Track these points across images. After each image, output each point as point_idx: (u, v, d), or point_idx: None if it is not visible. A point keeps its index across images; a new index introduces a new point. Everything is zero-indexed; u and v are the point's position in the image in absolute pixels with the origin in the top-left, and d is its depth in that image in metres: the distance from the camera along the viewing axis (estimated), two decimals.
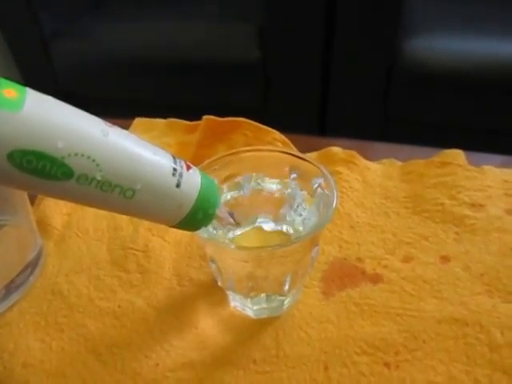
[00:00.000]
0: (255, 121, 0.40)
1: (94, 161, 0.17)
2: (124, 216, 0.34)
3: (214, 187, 0.23)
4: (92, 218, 0.35)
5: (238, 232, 0.28)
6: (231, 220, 0.25)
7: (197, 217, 0.22)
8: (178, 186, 0.20)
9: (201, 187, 0.21)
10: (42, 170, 0.17)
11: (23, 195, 0.30)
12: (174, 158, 0.21)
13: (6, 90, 0.16)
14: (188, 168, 0.21)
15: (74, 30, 1.08)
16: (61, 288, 0.30)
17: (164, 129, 0.42)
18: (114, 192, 0.19)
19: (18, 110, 0.16)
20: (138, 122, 0.44)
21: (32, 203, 0.34)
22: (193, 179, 0.21)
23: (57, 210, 0.35)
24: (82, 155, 0.17)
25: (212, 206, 0.22)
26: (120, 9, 1.10)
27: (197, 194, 0.21)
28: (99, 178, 0.18)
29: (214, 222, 0.24)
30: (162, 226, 0.33)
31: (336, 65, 0.94)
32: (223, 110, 0.49)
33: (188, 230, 0.23)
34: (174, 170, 0.20)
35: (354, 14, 0.88)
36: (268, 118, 0.41)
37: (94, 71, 1.09)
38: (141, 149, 0.19)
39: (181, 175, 0.20)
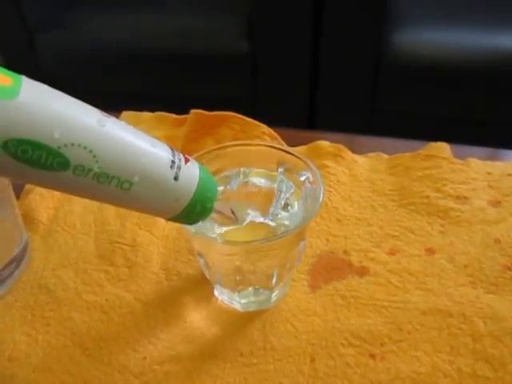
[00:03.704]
0: (243, 113, 0.39)
1: (90, 151, 0.17)
2: (111, 210, 0.34)
3: (212, 181, 0.23)
4: (79, 212, 0.35)
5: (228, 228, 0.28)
6: (231, 215, 0.25)
7: (194, 210, 0.22)
8: (175, 178, 0.20)
9: (199, 180, 0.21)
10: (38, 159, 0.16)
11: (8, 188, 0.30)
12: (172, 150, 0.21)
13: (0, 77, 0.16)
14: (186, 161, 0.21)
15: (59, 21, 1.06)
16: (47, 282, 0.30)
17: (151, 122, 0.42)
18: (110, 184, 0.18)
19: (13, 98, 0.15)
20: (125, 115, 0.43)
21: (17, 197, 0.34)
22: (191, 172, 0.21)
23: (43, 203, 0.35)
24: (79, 145, 0.17)
25: (210, 200, 0.22)
26: (107, 0, 1.08)
27: (195, 187, 0.21)
28: (96, 169, 0.18)
29: (213, 215, 0.23)
30: (150, 220, 0.33)
31: (324, 57, 0.94)
32: (211, 101, 0.49)
33: (185, 223, 0.23)
34: (173, 162, 0.20)
35: (341, 5, 0.88)
36: (256, 110, 0.42)
37: (80, 63, 1.07)
38: (138, 140, 0.19)
39: (179, 168, 0.20)
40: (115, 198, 0.19)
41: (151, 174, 0.19)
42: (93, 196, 0.19)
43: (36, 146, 0.16)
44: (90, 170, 0.17)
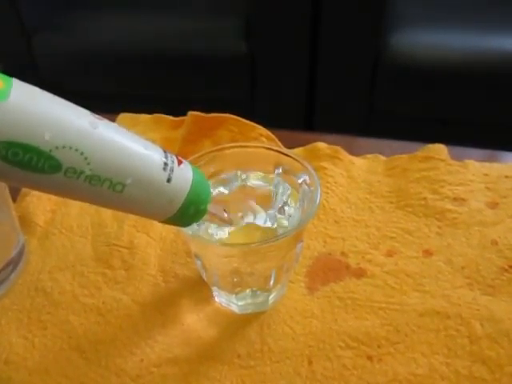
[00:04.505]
0: (242, 113, 0.39)
1: (82, 154, 0.17)
2: (108, 212, 0.34)
3: (205, 183, 0.23)
4: (76, 214, 0.34)
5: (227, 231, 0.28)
6: (224, 217, 0.25)
7: (188, 212, 0.22)
8: (168, 180, 0.20)
9: (192, 182, 0.21)
10: (29, 162, 0.16)
11: (4, 191, 0.30)
12: (165, 152, 0.21)
13: None
14: (179, 163, 0.21)
15: (57, 22, 1.06)
16: (44, 285, 0.30)
17: (149, 124, 0.42)
18: (103, 186, 0.18)
19: (4, 101, 0.15)
20: (123, 117, 0.43)
21: (14, 200, 0.34)
22: (184, 174, 0.21)
23: (40, 206, 0.35)
24: (70, 148, 0.17)
25: (203, 202, 0.22)
26: (106, 1, 1.08)
27: (188, 189, 0.21)
28: (88, 171, 0.18)
29: (206, 217, 0.23)
30: (147, 222, 0.33)
31: (322, 59, 0.94)
32: (210, 102, 0.49)
33: (179, 225, 0.23)
34: (165, 164, 0.20)
35: (339, 7, 0.88)
36: (255, 111, 0.41)
37: (78, 64, 1.07)
38: (131, 142, 0.19)
39: (172, 170, 0.20)
40: (108, 201, 0.19)
41: (144, 176, 0.19)
42: (85, 198, 0.19)
43: (27, 148, 0.16)
44: (82, 172, 0.17)
